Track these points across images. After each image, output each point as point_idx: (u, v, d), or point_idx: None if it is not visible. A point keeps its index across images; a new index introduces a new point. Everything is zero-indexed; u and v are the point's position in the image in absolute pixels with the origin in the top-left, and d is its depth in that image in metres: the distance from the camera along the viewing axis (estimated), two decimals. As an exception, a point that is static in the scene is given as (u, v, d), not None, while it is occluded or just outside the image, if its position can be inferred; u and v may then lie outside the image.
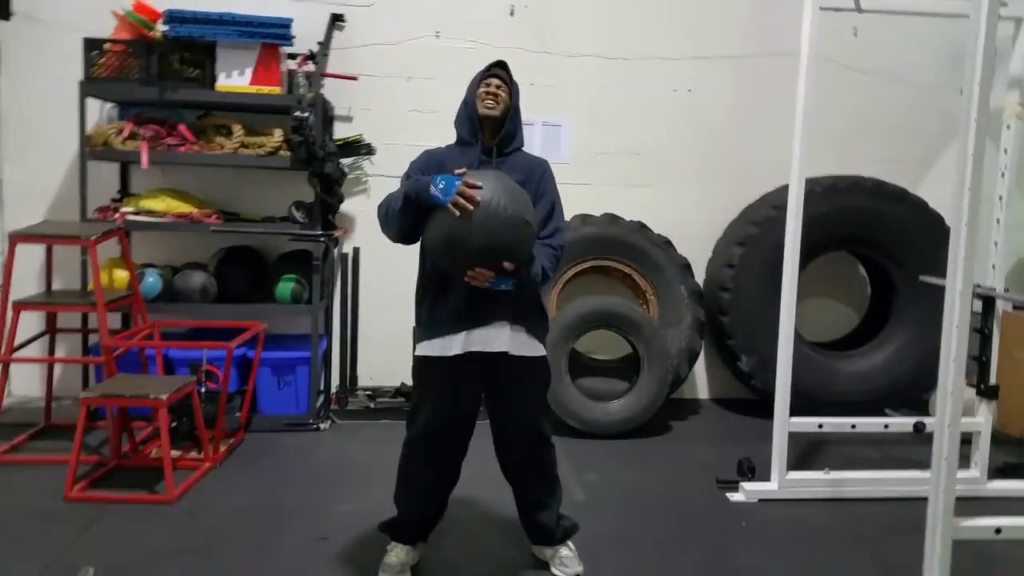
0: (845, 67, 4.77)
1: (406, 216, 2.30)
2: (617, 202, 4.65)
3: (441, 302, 2.40)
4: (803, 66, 3.16)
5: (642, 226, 4.49)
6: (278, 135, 3.98)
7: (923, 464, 3.45)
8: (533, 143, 4.69)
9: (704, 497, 3.36)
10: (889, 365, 4.54)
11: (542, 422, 2.56)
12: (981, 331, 3.40)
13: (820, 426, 3.42)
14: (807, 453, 3.88)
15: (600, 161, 4.74)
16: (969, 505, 3.27)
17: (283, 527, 2.95)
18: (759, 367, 4.39)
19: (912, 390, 4.51)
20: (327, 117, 4.17)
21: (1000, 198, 3.37)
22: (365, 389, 4.42)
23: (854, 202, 4.43)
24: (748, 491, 3.32)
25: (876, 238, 4.52)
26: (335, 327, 4.44)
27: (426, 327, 2.44)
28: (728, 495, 3.35)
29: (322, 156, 3.91)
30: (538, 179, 2.48)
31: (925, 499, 3.26)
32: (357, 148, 4.32)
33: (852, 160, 4.70)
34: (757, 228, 4.41)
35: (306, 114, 3.82)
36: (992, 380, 3.39)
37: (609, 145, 4.73)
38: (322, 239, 4.02)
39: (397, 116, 4.54)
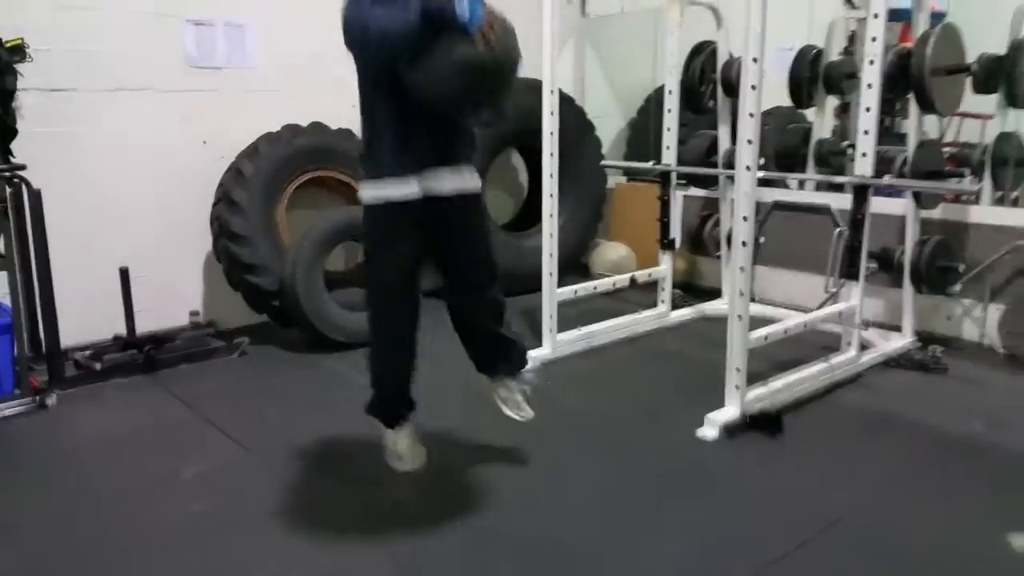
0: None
1: (413, 33, 2.15)
2: (313, 109, 4.46)
3: (403, 144, 2.36)
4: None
5: (350, 133, 4.46)
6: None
7: (630, 309, 4.40)
8: (215, 47, 4.24)
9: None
10: (559, 239, 5.41)
11: (492, 251, 2.69)
12: (662, 200, 4.40)
13: (576, 292, 4.08)
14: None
15: (291, 67, 4.49)
16: (670, 332, 4.35)
17: (147, 521, 2.52)
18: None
19: (576, 255, 5.48)
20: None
21: (670, 92, 4.31)
22: (80, 349, 3.69)
23: (522, 101, 4.98)
24: (532, 358, 3.81)
25: (538, 132, 5.24)
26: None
27: (387, 169, 2.39)
28: (515, 366, 3.83)
29: (2, 67, 3.03)
30: None
31: (651, 332, 4.23)
32: (16, 56, 3.39)
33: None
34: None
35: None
36: (671, 236, 4.44)
37: (297, 49, 4.48)
38: (8, 175, 3.16)
39: (41, 13, 3.66)
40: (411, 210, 2.42)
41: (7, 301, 3.45)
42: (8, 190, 3.22)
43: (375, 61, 2.29)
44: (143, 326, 3.94)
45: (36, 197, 3.32)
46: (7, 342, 3.30)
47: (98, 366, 3.61)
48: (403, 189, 2.39)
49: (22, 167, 3.29)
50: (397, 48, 2.19)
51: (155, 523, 2.48)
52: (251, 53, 4.35)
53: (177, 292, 4.27)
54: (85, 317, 3.85)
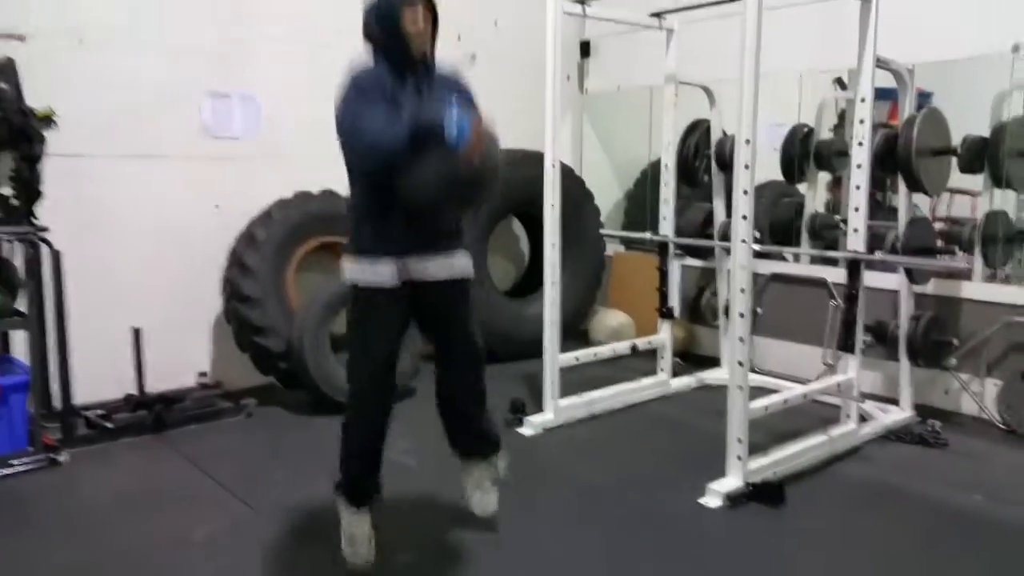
0: (489, 54, 5.42)
1: (407, 146, 2.25)
2: (325, 177, 4.50)
3: (385, 227, 2.44)
4: (550, 51, 3.73)
5: (360, 201, 4.60)
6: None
7: (630, 376, 4.46)
8: (232, 117, 4.41)
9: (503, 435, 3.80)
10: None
11: (478, 333, 2.72)
12: (660, 270, 4.51)
13: (577, 358, 4.16)
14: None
15: (303, 136, 4.62)
16: (670, 400, 4.41)
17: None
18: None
19: (575, 322, 5.57)
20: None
21: (666, 166, 4.47)
22: (91, 408, 3.74)
23: (525, 172, 5.20)
24: (534, 424, 3.89)
25: (539, 200, 5.40)
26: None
27: (367, 249, 2.46)
28: (519, 431, 3.87)
29: (32, 134, 3.17)
30: (466, 95, 2.54)
31: (652, 399, 4.29)
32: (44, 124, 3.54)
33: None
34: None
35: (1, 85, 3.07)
36: (670, 305, 4.54)
37: (310, 119, 4.59)
38: (33, 236, 3.27)
39: (65, 84, 3.81)
40: (391, 293, 2.47)
41: (21, 358, 3.53)
42: (30, 251, 3.31)
43: (363, 164, 2.41)
44: (152, 385, 4.01)
45: (57, 258, 3.42)
46: (22, 399, 3.35)
47: (109, 425, 3.65)
48: (380, 273, 2.45)
49: (45, 229, 3.40)
50: (387, 158, 2.30)
51: (164, 585, 2.51)
52: (265, 123, 4.51)
53: (186, 352, 4.34)
54: (96, 376, 3.88)
